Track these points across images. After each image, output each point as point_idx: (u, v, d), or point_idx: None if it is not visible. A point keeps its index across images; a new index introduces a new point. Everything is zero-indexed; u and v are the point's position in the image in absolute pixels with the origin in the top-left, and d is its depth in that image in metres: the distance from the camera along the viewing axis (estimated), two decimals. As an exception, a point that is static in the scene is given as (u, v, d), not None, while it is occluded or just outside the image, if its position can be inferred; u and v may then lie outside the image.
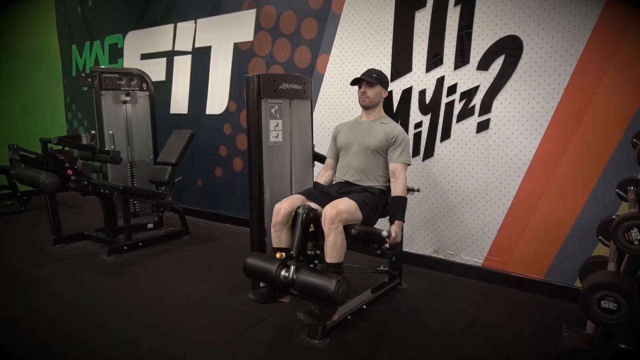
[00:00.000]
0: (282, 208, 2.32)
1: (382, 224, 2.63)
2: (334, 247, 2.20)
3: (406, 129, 3.17)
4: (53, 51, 6.38)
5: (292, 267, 2.13)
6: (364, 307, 2.57)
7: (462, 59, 2.93)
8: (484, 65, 2.85)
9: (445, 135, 3.07)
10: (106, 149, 3.87)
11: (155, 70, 4.87)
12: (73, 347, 2.21)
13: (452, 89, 3.00)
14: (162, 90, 4.87)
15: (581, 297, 1.56)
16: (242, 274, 2.31)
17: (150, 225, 4.20)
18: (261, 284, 2.38)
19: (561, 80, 2.60)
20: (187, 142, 3.98)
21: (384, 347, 2.21)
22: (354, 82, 2.59)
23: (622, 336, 1.72)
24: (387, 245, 2.45)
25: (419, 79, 3.13)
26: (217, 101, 4.49)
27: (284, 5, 3.81)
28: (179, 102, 4.85)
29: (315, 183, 2.74)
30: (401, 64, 3.20)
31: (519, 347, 2.21)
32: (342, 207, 2.22)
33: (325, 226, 2.18)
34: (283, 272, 2.13)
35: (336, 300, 2.01)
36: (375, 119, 2.62)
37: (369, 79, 2.52)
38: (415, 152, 3.20)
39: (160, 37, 4.89)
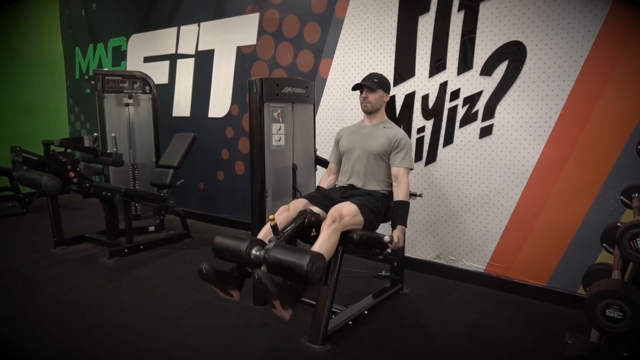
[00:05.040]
0: (291, 208, 2.31)
1: (384, 229, 2.62)
2: (325, 242, 2.10)
3: (409, 134, 3.15)
4: (56, 53, 6.41)
5: (270, 244, 1.95)
6: (366, 312, 2.56)
7: (465, 64, 2.93)
8: (487, 70, 2.85)
9: (448, 140, 3.06)
10: (108, 151, 3.87)
11: (158, 73, 4.88)
12: (73, 348, 2.20)
13: (455, 94, 2.99)
14: (165, 93, 4.88)
15: (586, 305, 1.54)
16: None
17: (152, 228, 4.20)
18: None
19: (565, 86, 2.59)
20: (189, 145, 3.98)
21: (386, 352, 2.19)
22: (355, 87, 2.59)
23: (627, 345, 1.70)
24: (389, 251, 2.44)
25: (422, 83, 3.12)
26: (220, 104, 4.50)
27: (287, 9, 3.82)
28: (182, 105, 4.86)
29: (319, 187, 2.73)
30: (404, 68, 3.20)
31: (521, 354, 2.20)
32: (346, 212, 2.21)
33: (325, 223, 2.15)
34: (254, 251, 1.94)
35: (310, 278, 1.78)
36: (377, 123, 2.61)
37: (370, 84, 2.52)
38: (418, 157, 3.19)
39: (163, 40, 4.91)
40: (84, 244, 3.93)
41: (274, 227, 2.01)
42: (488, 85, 2.86)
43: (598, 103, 2.51)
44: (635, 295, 1.48)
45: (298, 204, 2.37)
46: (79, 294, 2.85)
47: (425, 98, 3.13)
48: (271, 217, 2.03)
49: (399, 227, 2.38)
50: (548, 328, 2.46)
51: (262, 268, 1.91)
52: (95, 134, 3.87)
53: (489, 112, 2.87)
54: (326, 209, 2.31)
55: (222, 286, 2.01)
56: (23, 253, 3.68)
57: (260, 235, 2.23)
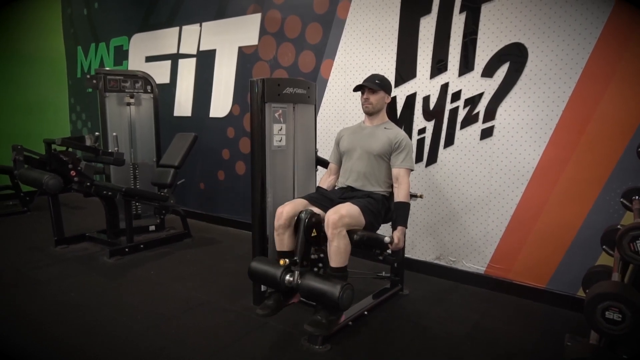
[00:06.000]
0: (285, 212, 2.32)
1: (384, 230, 2.63)
2: (337, 252, 2.20)
3: (410, 135, 3.16)
4: (58, 52, 6.41)
5: (297, 272, 2.15)
6: (365, 313, 2.56)
7: (466, 66, 2.93)
8: (488, 72, 2.85)
9: (449, 141, 3.07)
10: (109, 150, 3.87)
11: (160, 73, 4.89)
12: (73, 348, 2.21)
13: (456, 96, 3.00)
14: (166, 93, 4.88)
15: (585, 307, 1.54)
16: (244, 277, 2.32)
17: (152, 228, 4.20)
18: (266, 289, 2.39)
19: (566, 88, 2.60)
20: (190, 144, 3.98)
21: (385, 353, 2.19)
22: (357, 88, 2.59)
23: (626, 347, 1.71)
24: (389, 251, 2.44)
25: (423, 85, 3.13)
26: (221, 104, 4.50)
27: (288, 10, 3.82)
28: (183, 104, 4.86)
29: (318, 188, 2.74)
30: (405, 70, 3.20)
31: (521, 355, 2.20)
32: (345, 212, 2.22)
33: (329, 231, 2.18)
34: (288, 277, 2.15)
35: (341, 306, 2.02)
36: (378, 124, 2.62)
37: (371, 86, 2.52)
38: (419, 158, 3.19)
39: (165, 40, 4.91)
40: (85, 242, 3.93)
41: (289, 265, 2.20)
42: (489, 86, 2.86)
43: (599, 105, 2.51)
44: (635, 298, 1.48)
45: (297, 205, 2.37)
46: (79, 293, 2.85)
47: (426, 99, 3.13)
48: (282, 262, 2.22)
49: (399, 228, 2.39)
50: (548, 329, 2.46)
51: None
52: (96, 133, 3.88)
53: (490, 114, 2.88)
54: (326, 210, 2.31)
55: (284, 306, 2.30)
56: (23, 252, 3.69)
57: (278, 247, 2.37)
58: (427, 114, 3.14)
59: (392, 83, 3.17)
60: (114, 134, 3.93)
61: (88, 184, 3.59)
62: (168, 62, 4.93)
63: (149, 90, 4.29)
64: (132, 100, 4.21)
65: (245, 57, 4.22)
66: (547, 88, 2.66)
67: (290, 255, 2.27)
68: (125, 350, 2.20)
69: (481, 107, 2.91)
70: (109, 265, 3.40)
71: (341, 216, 2.19)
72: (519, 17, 2.70)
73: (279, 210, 2.35)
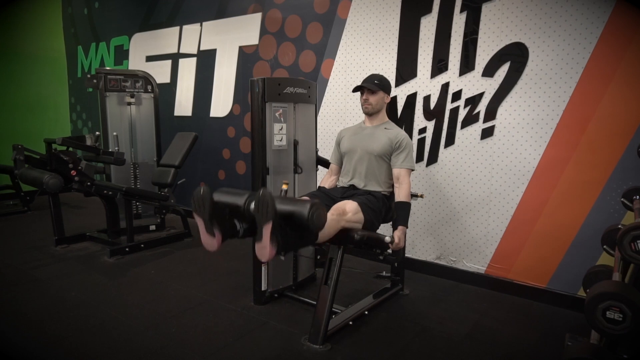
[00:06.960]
0: None
1: (385, 230, 2.63)
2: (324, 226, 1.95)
3: (410, 135, 3.16)
4: (59, 52, 6.42)
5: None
6: (366, 312, 2.56)
7: (467, 65, 2.93)
8: (489, 71, 2.85)
9: (450, 141, 3.06)
10: (110, 150, 3.88)
11: (160, 73, 4.89)
12: (73, 348, 2.20)
13: (456, 95, 2.99)
14: (167, 93, 4.88)
15: (586, 307, 1.54)
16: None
17: (153, 227, 4.20)
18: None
19: (567, 87, 2.59)
20: (191, 144, 3.98)
21: (386, 352, 2.19)
22: (356, 89, 2.59)
23: (627, 347, 1.70)
24: (389, 251, 2.44)
25: (424, 84, 3.13)
26: (221, 104, 4.50)
27: (289, 10, 3.82)
28: (183, 104, 4.86)
29: (320, 187, 2.74)
30: (406, 69, 3.20)
31: (521, 355, 2.19)
32: (348, 209, 2.23)
33: (329, 212, 2.12)
34: (253, 205, 1.76)
35: (311, 226, 1.74)
36: (378, 125, 2.62)
37: (370, 86, 2.52)
38: (419, 158, 3.19)
39: (165, 39, 4.91)
40: (85, 242, 3.93)
41: (285, 192, 2.06)
42: (490, 86, 2.86)
43: (600, 105, 2.51)
44: (636, 297, 1.48)
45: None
46: (80, 293, 2.85)
47: (426, 99, 3.13)
48: (285, 182, 2.09)
49: (400, 227, 2.39)
50: (548, 329, 2.46)
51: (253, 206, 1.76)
52: (97, 133, 3.88)
53: (491, 114, 2.87)
54: (327, 208, 2.31)
55: (211, 219, 1.72)
56: (24, 251, 3.69)
57: None
58: (428, 114, 3.14)
59: (393, 83, 3.17)
60: (115, 133, 3.93)
61: (88, 183, 3.60)
62: (168, 62, 4.94)
63: (149, 90, 4.29)
64: (132, 100, 4.21)
65: (246, 57, 4.22)
66: (547, 88, 2.65)
67: None
68: (125, 349, 2.19)
69: (482, 107, 2.90)
70: (109, 265, 3.40)
71: (344, 211, 2.20)
72: (519, 16, 2.70)
73: None
